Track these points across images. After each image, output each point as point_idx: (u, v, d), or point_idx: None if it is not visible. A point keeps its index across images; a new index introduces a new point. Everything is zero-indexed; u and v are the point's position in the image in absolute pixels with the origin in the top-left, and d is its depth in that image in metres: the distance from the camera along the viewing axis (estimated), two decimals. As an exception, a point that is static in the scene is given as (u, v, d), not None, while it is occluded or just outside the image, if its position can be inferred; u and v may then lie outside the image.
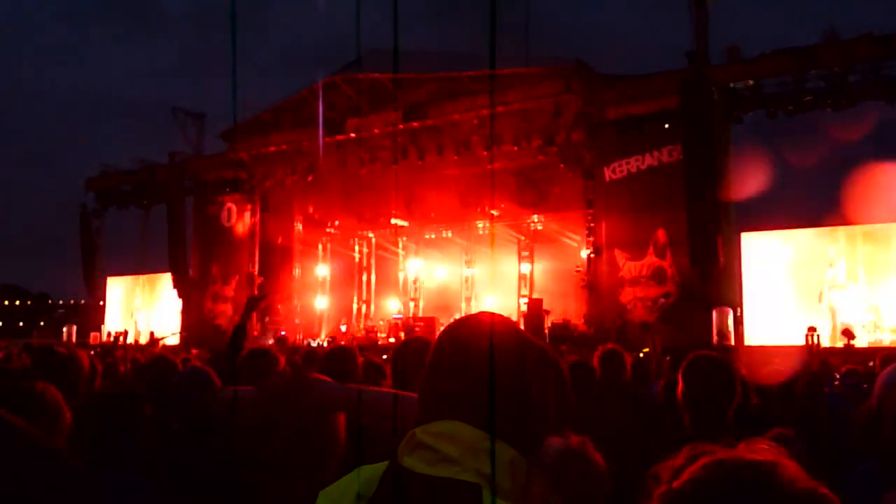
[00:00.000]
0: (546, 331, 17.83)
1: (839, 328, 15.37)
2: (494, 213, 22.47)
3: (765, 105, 16.54)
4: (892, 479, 2.24)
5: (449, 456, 1.04)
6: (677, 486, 0.86)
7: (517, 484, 1.04)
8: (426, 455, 1.05)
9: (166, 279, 25.36)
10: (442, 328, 1.28)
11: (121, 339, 25.02)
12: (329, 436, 1.84)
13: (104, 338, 26.26)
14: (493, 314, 1.23)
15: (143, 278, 27.99)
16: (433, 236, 24.16)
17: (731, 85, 16.68)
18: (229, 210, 24.59)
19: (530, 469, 1.07)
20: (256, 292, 21.95)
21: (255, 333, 22.60)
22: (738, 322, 16.12)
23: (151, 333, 24.16)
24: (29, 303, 58.74)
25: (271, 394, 1.86)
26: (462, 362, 1.13)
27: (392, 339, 20.66)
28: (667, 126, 17.14)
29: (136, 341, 24.55)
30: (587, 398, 2.93)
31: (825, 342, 15.08)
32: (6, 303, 54.88)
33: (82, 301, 30.13)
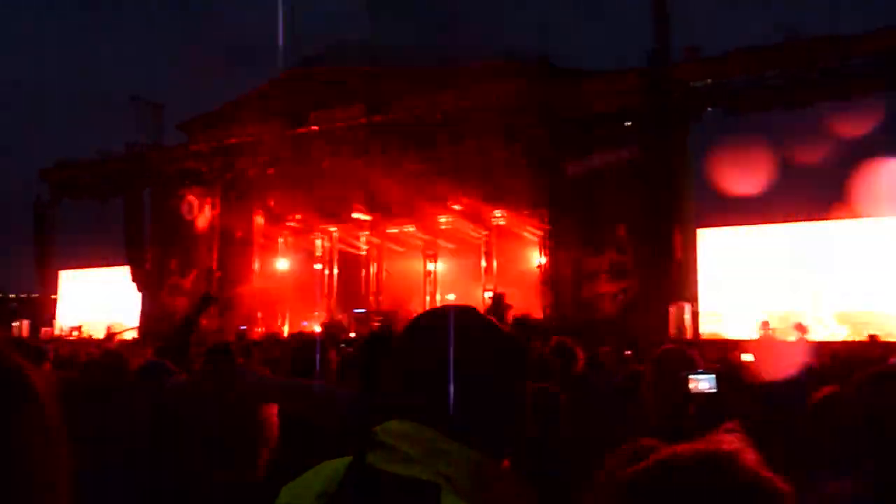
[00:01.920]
0: (509, 325, 17.92)
1: (791, 322, 15.71)
2: (456, 207, 22.53)
3: (725, 102, 16.84)
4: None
5: (409, 455, 1.03)
6: (630, 477, 0.86)
7: (479, 485, 1.02)
8: (387, 454, 1.04)
9: (123, 272, 24.92)
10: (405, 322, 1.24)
11: (75, 333, 24.55)
12: (257, 425, 1.82)
13: (57, 332, 25.70)
14: (457, 307, 1.21)
15: (99, 271, 27.44)
16: (396, 231, 24.11)
17: (692, 83, 16.94)
18: (189, 203, 24.23)
19: (494, 469, 1.06)
20: (214, 290, 21.69)
21: (214, 328, 22.34)
22: (695, 317, 16.40)
23: (108, 328, 23.71)
24: (-21, 296, 57.19)
25: (198, 384, 1.84)
26: (423, 358, 1.12)
27: (353, 334, 20.58)
28: (628, 123, 17.33)
29: (91, 336, 24.08)
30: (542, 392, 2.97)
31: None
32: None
33: (35, 295, 29.36)
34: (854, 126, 15.06)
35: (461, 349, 1.10)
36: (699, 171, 17.69)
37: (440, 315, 1.19)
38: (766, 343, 13.81)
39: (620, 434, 2.50)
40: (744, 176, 16.04)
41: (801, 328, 14.55)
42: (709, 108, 16.98)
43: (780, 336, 14.93)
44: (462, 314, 1.18)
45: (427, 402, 1.08)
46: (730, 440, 0.87)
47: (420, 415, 1.07)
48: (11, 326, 26.36)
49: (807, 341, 14.23)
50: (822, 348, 10.82)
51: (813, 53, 15.65)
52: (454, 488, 1.00)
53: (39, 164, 26.84)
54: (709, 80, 16.76)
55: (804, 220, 17.03)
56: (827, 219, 16.68)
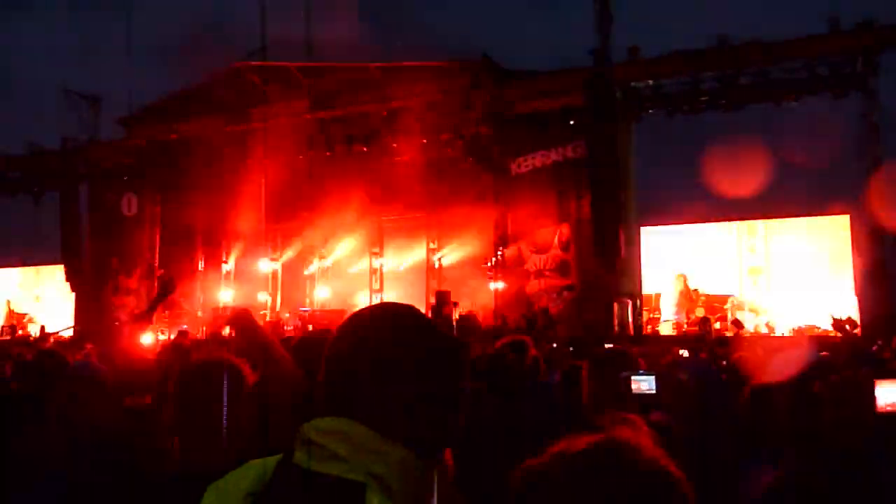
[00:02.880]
0: (454, 323, 18.00)
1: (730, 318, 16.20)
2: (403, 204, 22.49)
3: (664, 104, 17.23)
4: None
5: (338, 454, 1.02)
6: (534, 465, 0.88)
7: (409, 485, 1.02)
8: (316, 452, 1.04)
9: (57, 271, 24.15)
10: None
11: (5, 334, 23.70)
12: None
13: (-10, 333, 24.77)
14: (394, 304, 1.22)
15: (31, 270, 26.53)
16: (342, 229, 23.90)
17: (633, 84, 17.27)
18: (128, 199, 23.61)
19: (425, 470, 1.06)
20: (164, 282, 21.18)
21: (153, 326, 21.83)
22: (638, 313, 16.74)
23: (42, 327, 22.95)
24: None
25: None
26: (355, 356, 1.11)
27: (290, 333, 20.38)
28: (572, 122, 17.57)
29: (27, 336, 23.28)
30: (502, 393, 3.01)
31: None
32: None
33: None
34: (786, 128, 15.64)
35: (395, 347, 1.11)
36: (641, 170, 18.10)
37: (375, 313, 1.20)
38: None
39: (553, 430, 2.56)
40: (684, 175, 16.47)
41: (737, 324, 15.02)
42: (649, 110, 17.33)
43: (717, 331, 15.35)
44: (397, 312, 1.19)
45: (359, 399, 1.08)
46: (627, 430, 0.90)
47: (352, 412, 1.06)
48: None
49: (741, 335, 14.70)
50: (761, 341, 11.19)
51: (743, 58, 16.15)
52: (382, 487, 0.99)
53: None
54: (649, 82, 17.11)
55: (745, 219, 17.51)
56: (765, 217, 17.22)
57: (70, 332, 21.27)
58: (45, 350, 3.73)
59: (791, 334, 14.90)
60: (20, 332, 24.10)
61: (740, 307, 16.30)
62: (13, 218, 25.74)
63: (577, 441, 0.89)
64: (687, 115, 17.07)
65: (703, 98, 16.85)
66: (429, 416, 1.09)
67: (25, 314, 24.16)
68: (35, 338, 21.73)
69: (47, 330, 22.28)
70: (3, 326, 24.75)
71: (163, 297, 4.55)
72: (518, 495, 0.88)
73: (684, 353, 6.61)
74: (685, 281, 16.97)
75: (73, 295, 23.76)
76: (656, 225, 18.37)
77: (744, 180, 16.58)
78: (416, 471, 1.04)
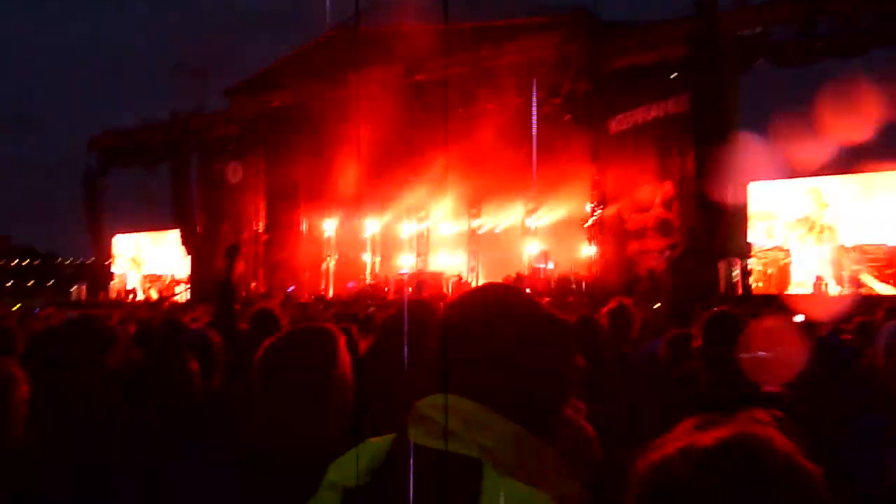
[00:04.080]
0: (552, 283, 17.90)
1: (846, 276, 15.36)
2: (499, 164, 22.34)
3: (773, 53, 16.27)
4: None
5: (451, 430, 1.03)
6: (657, 461, 0.85)
7: (522, 459, 1.03)
8: (431, 428, 1.06)
9: (174, 235, 25.44)
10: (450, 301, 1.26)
11: (130, 296, 25.25)
12: None
13: (113, 296, 26.48)
14: (504, 286, 1.23)
15: (150, 235, 28.06)
16: (441, 191, 24.04)
17: (739, 33, 16.38)
18: (234, 167, 24.51)
19: (538, 444, 1.06)
20: (262, 252, 22.03)
21: (262, 290, 22.75)
22: (746, 273, 16.12)
23: (160, 291, 24.36)
24: (37, 262, 59.06)
25: None
26: (467, 336, 1.13)
27: (391, 297, 20.74)
28: (674, 76, 16.90)
29: (147, 298, 24.76)
30: (593, 360, 2.92)
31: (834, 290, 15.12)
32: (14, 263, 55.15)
33: (90, 260, 30.19)
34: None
35: (507, 328, 1.13)
36: (749, 123, 17.25)
37: (487, 294, 1.21)
38: (819, 299, 13.58)
39: (670, 410, 2.47)
40: (795, 127, 15.57)
41: (856, 283, 14.25)
42: (759, 59, 16.40)
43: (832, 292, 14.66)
44: (509, 294, 1.21)
45: (473, 377, 1.09)
46: (757, 423, 0.86)
47: (465, 390, 1.08)
48: (70, 291, 27.28)
49: (861, 295, 13.93)
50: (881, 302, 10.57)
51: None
52: (495, 462, 1.00)
53: (88, 132, 27.39)
54: (758, 29, 16.17)
55: (856, 172, 16.45)
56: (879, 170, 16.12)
57: (186, 296, 22.48)
58: (169, 320, 3.92)
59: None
60: (142, 295, 25.66)
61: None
62: (130, 187, 27.29)
63: (703, 436, 0.85)
64: (800, 63, 16.05)
65: (817, 44, 15.78)
66: (539, 392, 1.11)
67: (159, 276, 25.43)
68: (154, 300, 23.09)
69: (164, 293, 23.63)
70: (130, 289, 26.39)
71: (232, 257, 4.67)
72: (642, 495, 0.86)
73: (800, 317, 6.26)
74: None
75: (188, 258, 24.98)
76: (765, 180, 17.53)
77: (862, 130, 15.56)
78: (530, 446, 1.05)
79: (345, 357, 1.75)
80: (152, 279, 27.01)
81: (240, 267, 18.20)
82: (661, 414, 2.48)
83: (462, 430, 1.03)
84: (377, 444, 1.14)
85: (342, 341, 1.76)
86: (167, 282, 25.69)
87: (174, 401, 2.15)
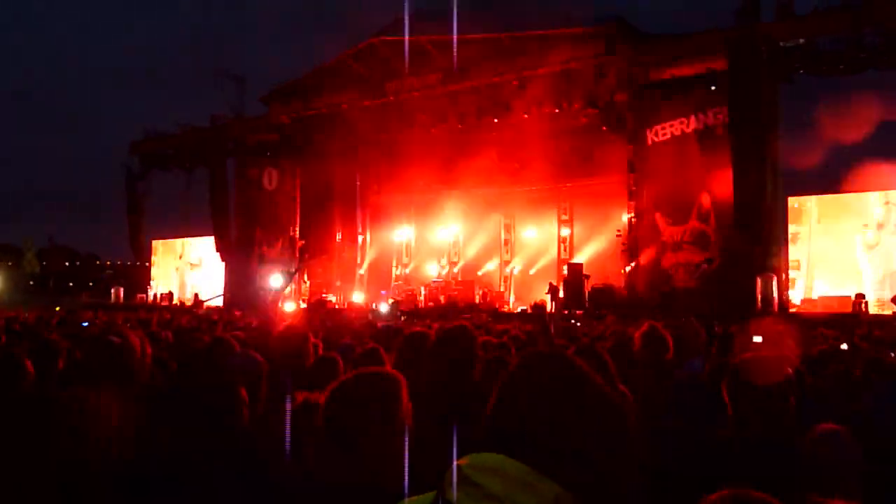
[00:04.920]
0: (586, 295, 17.75)
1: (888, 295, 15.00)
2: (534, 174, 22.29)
3: (816, 64, 15.95)
4: None
5: (492, 493, 1.02)
6: None
7: None
8: (471, 491, 1.04)
9: (209, 242, 25.79)
10: (509, 364, 1.26)
11: (166, 300, 25.60)
12: None
13: (150, 299, 26.91)
14: (570, 358, 1.23)
15: (187, 241, 28.51)
16: (473, 200, 24.07)
17: (782, 44, 16.10)
18: (270, 173, 24.78)
19: None
20: (297, 259, 22.18)
21: (297, 297, 22.87)
22: (783, 288, 15.82)
23: (195, 295, 24.69)
24: (78, 263, 60.32)
25: None
26: (531, 400, 1.14)
27: (422, 305, 20.75)
28: (713, 87, 16.69)
29: (182, 303, 25.10)
30: (628, 386, 2.85)
31: (873, 309, 14.78)
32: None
33: (129, 262, 30.75)
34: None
35: (570, 398, 1.13)
36: (790, 136, 16.97)
37: (554, 361, 1.21)
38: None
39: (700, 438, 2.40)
40: (837, 141, 15.28)
41: (897, 301, 13.92)
42: (801, 70, 16.11)
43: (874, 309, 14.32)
44: (574, 367, 1.20)
45: (528, 440, 1.09)
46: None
47: (517, 451, 1.07)
48: (109, 293, 27.80)
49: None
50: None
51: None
52: None
53: (129, 138, 27.93)
54: (801, 40, 15.88)
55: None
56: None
57: (220, 301, 22.74)
58: (218, 339, 3.89)
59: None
60: (178, 300, 26.02)
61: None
62: (169, 191, 27.75)
63: None
64: (844, 74, 15.70)
65: (862, 55, 15.43)
66: (595, 467, 1.10)
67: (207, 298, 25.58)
68: (190, 304, 23.40)
69: (200, 297, 23.94)
70: (166, 293, 26.77)
71: (300, 269, 4.71)
72: None
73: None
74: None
75: (222, 264, 25.28)
76: (805, 195, 17.23)
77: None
78: None
79: (407, 404, 1.75)
80: (188, 284, 27.39)
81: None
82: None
83: (504, 492, 1.03)
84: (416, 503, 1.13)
85: (405, 387, 1.77)
86: (201, 288, 26.01)
87: (219, 429, 2.13)
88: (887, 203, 16.20)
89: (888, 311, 14.42)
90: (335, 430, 1.71)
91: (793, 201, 17.13)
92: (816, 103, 17.07)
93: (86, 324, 7.99)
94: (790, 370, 2.38)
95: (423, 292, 22.13)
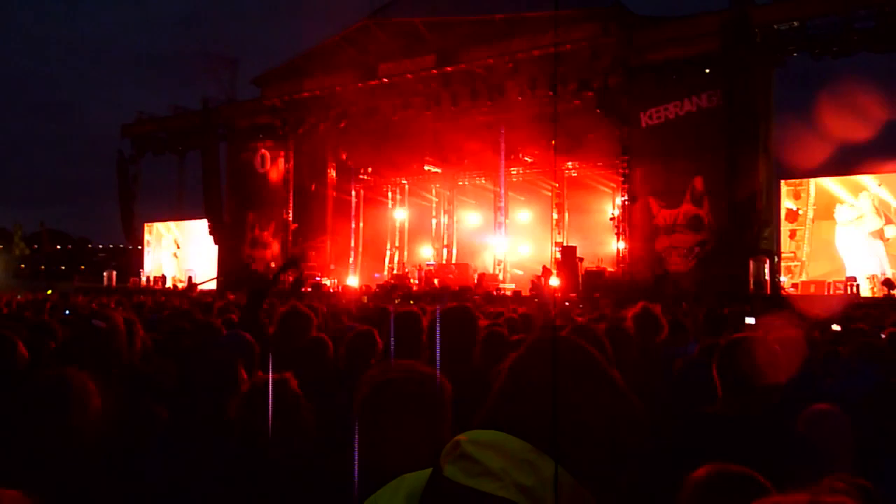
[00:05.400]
0: (580, 278, 17.80)
1: (880, 277, 15.10)
2: (528, 158, 22.28)
3: (809, 46, 15.93)
4: None
5: (490, 469, 1.02)
6: None
7: (561, 500, 1.02)
8: (468, 466, 1.04)
9: (202, 225, 25.71)
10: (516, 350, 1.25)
11: (159, 284, 25.55)
12: None
13: (143, 282, 26.85)
14: (566, 339, 1.22)
15: (179, 224, 28.40)
16: (466, 183, 24.03)
17: (775, 26, 16.07)
18: (262, 156, 24.66)
19: (576, 488, 1.05)
20: (296, 249, 22.13)
21: (291, 279, 22.85)
22: (776, 271, 15.89)
23: (189, 278, 24.64)
24: (70, 247, 60.07)
25: None
26: (528, 386, 1.14)
27: (416, 288, 20.78)
28: (707, 70, 16.65)
29: (175, 286, 25.05)
30: (622, 367, 2.85)
31: (865, 292, 14.87)
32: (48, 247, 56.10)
33: (121, 245, 30.63)
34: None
35: (583, 387, 1.14)
36: (783, 119, 16.98)
37: (569, 348, 1.20)
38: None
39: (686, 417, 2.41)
40: (831, 124, 15.30)
41: (889, 283, 14.01)
42: (794, 53, 16.08)
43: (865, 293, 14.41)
44: (581, 352, 1.20)
45: (535, 422, 1.09)
46: (834, 494, 0.82)
47: (515, 427, 1.07)
48: (101, 276, 27.72)
49: (894, 297, 13.69)
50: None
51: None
52: (532, 500, 0.99)
53: (121, 121, 27.75)
54: (794, 23, 15.85)
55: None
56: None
57: (213, 285, 22.70)
58: (206, 324, 3.91)
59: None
60: (170, 282, 25.96)
61: None
62: (161, 175, 27.61)
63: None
64: (837, 57, 15.68)
65: (855, 38, 15.41)
66: (599, 451, 1.10)
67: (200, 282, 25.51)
68: (183, 288, 23.35)
69: (194, 280, 23.89)
70: (159, 276, 26.69)
71: (285, 269, 4.72)
72: None
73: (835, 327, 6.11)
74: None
75: (216, 247, 25.20)
76: (798, 178, 17.26)
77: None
78: (570, 488, 1.03)
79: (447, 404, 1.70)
80: (181, 267, 27.33)
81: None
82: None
83: (501, 469, 1.02)
84: (413, 480, 1.13)
85: (448, 391, 1.71)
86: (194, 270, 25.95)
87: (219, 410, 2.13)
88: (881, 185, 16.26)
89: (879, 294, 14.53)
90: (369, 425, 1.66)
91: (790, 185, 17.16)
92: (812, 88, 17.05)
93: (67, 312, 7.95)
94: (778, 349, 2.39)
95: (416, 275, 22.15)
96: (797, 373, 3.24)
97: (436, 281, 20.97)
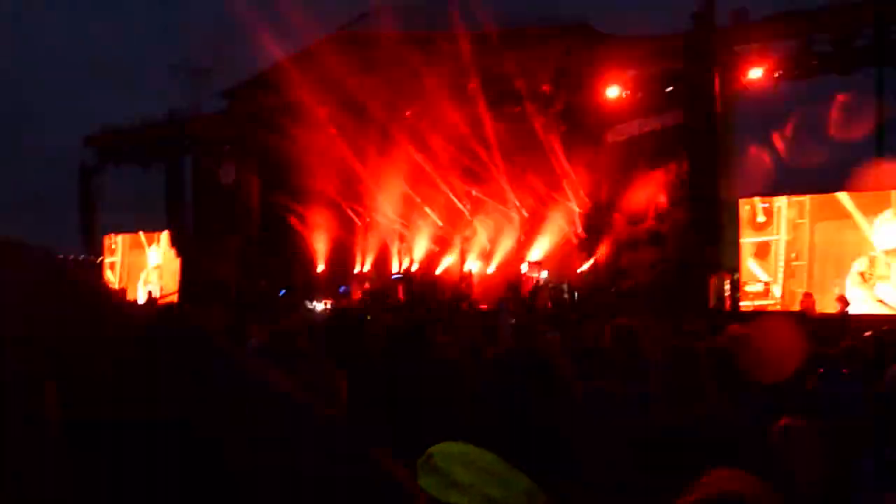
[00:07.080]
0: (546, 293, 17.90)
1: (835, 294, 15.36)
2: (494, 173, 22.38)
3: (770, 68, 16.32)
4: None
5: (459, 482, 1.04)
6: None
7: None
8: (438, 479, 1.06)
9: (164, 237, 25.37)
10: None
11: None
12: None
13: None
14: (541, 351, 1.25)
15: (141, 236, 27.95)
16: (428, 196, 24.07)
17: (736, 48, 16.46)
18: (227, 168, 24.44)
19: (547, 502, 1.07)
20: (254, 255, 21.91)
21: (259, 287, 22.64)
22: (736, 288, 16.14)
23: (149, 293, 24.27)
24: (29, 258, 58.73)
25: None
26: (501, 399, 1.18)
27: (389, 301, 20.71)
28: (670, 89, 16.97)
29: (135, 300, 24.63)
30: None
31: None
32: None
33: (81, 257, 30.05)
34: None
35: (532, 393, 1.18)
36: (743, 139, 17.33)
37: (525, 357, 1.23)
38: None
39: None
40: (788, 144, 15.65)
41: (842, 300, 14.25)
42: (757, 75, 16.46)
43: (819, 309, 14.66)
44: (551, 369, 1.23)
45: (500, 431, 1.10)
46: (735, 481, 0.84)
47: (486, 441, 1.09)
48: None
49: (847, 314, 13.92)
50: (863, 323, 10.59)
51: (860, 18, 15.08)
52: None
53: (83, 131, 27.29)
54: (755, 45, 16.25)
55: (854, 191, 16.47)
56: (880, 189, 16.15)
57: (175, 298, 22.39)
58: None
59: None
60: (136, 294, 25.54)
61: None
62: (124, 186, 27.20)
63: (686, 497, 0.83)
64: (796, 80, 16.11)
65: (813, 62, 15.84)
66: (557, 455, 1.13)
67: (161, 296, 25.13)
68: (145, 301, 22.99)
69: (154, 294, 23.55)
70: (119, 289, 26.23)
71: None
72: None
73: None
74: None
75: (178, 260, 24.87)
76: (757, 196, 17.56)
77: (856, 149, 15.64)
78: (539, 501, 1.05)
79: None
80: (141, 281, 26.91)
81: None
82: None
83: (472, 480, 1.04)
84: None
85: None
86: (157, 283, 25.57)
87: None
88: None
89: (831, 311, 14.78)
90: None
91: (762, 202, 17.41)
92: (772, 109, 17.40)
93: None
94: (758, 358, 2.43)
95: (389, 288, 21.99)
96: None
97: (400, 294, 20.93)
